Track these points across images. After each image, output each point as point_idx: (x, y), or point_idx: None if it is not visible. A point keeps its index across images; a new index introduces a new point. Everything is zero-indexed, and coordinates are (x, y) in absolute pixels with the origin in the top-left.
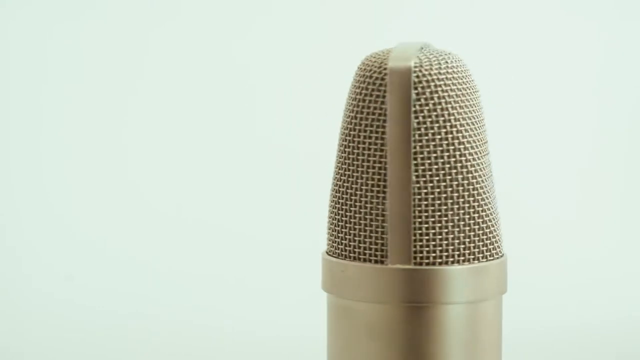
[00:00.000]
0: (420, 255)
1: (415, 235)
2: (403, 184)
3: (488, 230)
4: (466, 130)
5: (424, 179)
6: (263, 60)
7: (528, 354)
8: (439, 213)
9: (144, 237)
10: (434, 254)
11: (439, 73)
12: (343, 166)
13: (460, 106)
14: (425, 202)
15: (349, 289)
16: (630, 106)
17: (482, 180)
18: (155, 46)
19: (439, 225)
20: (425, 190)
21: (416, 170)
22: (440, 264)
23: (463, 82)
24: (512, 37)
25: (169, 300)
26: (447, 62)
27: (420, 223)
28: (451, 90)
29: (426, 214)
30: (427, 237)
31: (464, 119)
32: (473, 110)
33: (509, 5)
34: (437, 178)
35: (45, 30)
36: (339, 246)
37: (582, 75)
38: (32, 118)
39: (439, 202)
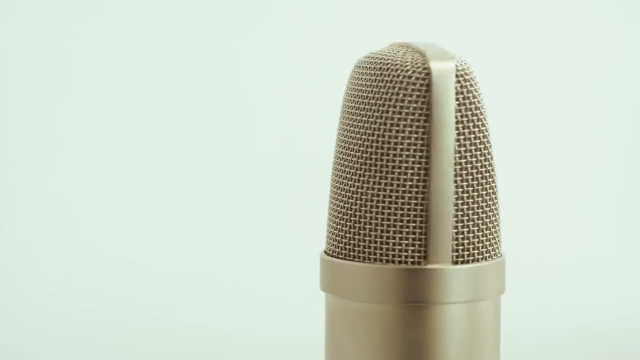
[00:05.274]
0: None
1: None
2: (445, 185)
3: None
4: (487, 131)
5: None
6: (262, 60)
7: (527, 355)
8: (461, 213)
9: (142, 238)
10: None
11: (474, 75)
12: (354, 165)
13: (483, 107)
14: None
15: (347, 289)
16: (630, 108)
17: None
18: (154, 50)
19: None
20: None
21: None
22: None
23: (477, 83)
24: (512, 37)
25: (168, 300)
26: (468, 64)
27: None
28: (478, 92)
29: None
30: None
31: (485, 120)
32: (485, 112)
33: (510, 6)
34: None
35: (45, 32)
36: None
37: (581, 75)
38: (32, 119)
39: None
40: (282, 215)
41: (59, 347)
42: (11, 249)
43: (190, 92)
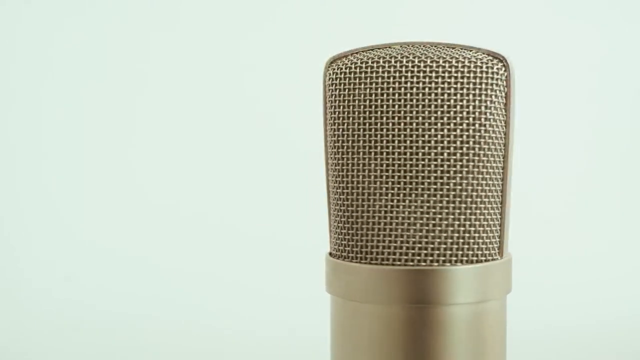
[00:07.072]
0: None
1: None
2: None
3: (490, 230)
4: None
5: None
6: (268, 62)
7: (527, 354)
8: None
9: (144, 238)
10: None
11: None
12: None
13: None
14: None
15: (353, 291)
16: (630, 109)
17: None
18: (153, 50)
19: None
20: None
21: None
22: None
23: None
24: (512, 38)
25: (169, 300)
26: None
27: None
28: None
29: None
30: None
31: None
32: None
33: (510, 6)
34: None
35: (50, 31)
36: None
37: (581, 76)
38: (32, 120)
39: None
40: (287, 217)
41: (59, 346)
42: (12, 249)
43: (197, 95)
